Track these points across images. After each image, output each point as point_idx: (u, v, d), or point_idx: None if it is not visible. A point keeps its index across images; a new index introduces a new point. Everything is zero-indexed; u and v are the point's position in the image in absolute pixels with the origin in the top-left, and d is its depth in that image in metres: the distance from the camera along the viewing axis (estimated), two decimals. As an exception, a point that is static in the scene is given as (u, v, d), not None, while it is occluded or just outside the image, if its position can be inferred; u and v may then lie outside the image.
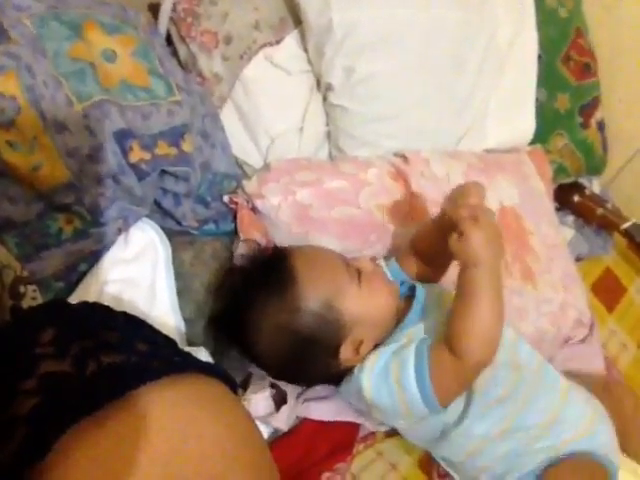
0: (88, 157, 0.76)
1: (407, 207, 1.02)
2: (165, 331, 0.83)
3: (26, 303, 0.75)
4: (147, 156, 0.80)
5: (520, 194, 1.17)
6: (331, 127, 1.09)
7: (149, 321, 0.80)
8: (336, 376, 0.86)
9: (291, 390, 0.89)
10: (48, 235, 0.78)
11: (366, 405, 0.84)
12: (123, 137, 0.78)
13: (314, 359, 0.82)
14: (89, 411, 0.47)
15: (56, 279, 0.79)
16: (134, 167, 0.80)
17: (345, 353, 0.82)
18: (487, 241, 0.74)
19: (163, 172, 0.85)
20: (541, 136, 1.34)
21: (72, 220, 0.79)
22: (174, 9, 0.99)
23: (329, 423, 0.91)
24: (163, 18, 0.98)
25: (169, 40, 1.02)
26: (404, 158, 1.08)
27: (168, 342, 0.66)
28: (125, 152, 0.78)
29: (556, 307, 1.11)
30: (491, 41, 1.19)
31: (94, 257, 0.81)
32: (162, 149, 0.82)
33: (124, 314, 0.64)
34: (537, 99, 1.31)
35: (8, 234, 0.75)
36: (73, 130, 0.75)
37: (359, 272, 0.84)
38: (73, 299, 0.78)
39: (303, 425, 0.91)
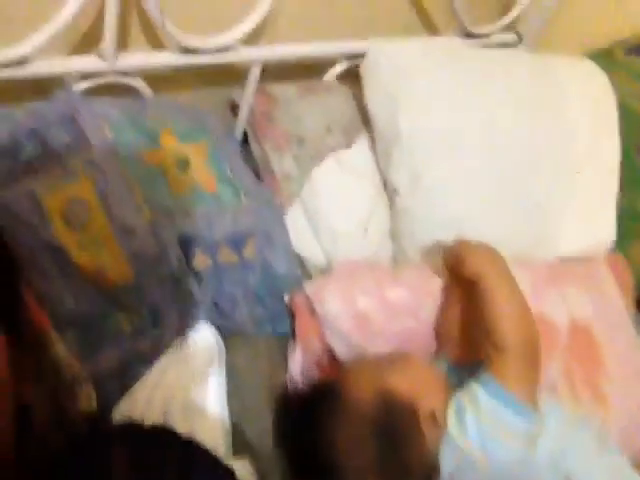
0: (152, 260, 0.78)
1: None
2: (212, 435, 0.83)
3: (81, 403, 0.76)
4: (209, 262, 0.82)
5: (594, 307, 1.11)
6: (396, 229, 1.08)
7: (199, 423, 0.81)
8: (431, 466, 0.82)
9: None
10: (107, 333, 0.80)
11: (475, 464, 0.79)
12: (187, 243, 0.81)
13: (404, 449, 0.80)
14: None
15: (110, 377, 0.80)
16: (195, 272, 0.81)
17: (427, 427, 0.80)
18: (481, 255, 0.90)
19: (223, 275, 0.86)
20: (621, 242, 1.27)
21: (132, 319, 0.81)
22: (252, 111, 1.03)
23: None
24: (240, 121, 1.02)
25: (245, 137, 1.06)
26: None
27: (224, 471, 0.67)
28: (188, 257, 0.80)
29: (628, 431, 1.03)
30: (568, 145, 1.16)
31: (149, 357, 0.82)
32: (224, 255, 0.83)
33: (183, 440, 0.67)
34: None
35: (69, 331, 0.77)
36: (140, 234, 0.78)
37: (393, 358, 0.89)
38: (126, 399, 0.79)
39: None
